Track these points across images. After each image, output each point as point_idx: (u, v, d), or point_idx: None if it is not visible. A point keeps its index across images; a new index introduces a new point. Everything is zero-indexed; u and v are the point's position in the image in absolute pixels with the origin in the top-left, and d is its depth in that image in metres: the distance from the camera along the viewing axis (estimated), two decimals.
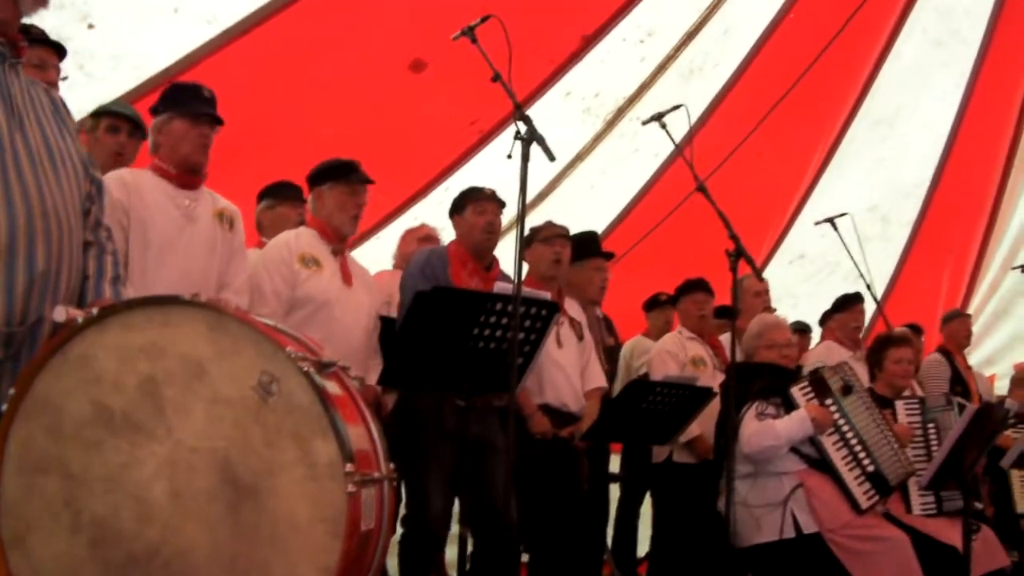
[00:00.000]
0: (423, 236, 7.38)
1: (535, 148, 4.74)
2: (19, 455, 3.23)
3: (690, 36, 9.72)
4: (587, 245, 7.30)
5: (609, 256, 7.54)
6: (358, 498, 3.10)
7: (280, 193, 6.62)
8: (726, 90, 10.29)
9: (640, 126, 9.12)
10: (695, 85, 9.98)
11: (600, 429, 6.42)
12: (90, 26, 6.90)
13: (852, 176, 11.61)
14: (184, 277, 4.81)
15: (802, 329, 9.67)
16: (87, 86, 7.08)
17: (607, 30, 9.17)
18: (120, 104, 5.62)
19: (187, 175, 5.08)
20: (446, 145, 9.06)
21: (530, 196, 8.73)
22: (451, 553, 6.52)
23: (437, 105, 8.52)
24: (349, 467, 3.07)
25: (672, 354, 7.65)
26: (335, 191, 5.77)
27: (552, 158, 4.77)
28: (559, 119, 9.37)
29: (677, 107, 6.34)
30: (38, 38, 4.91)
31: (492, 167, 8.84)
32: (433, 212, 8.93)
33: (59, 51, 5.08)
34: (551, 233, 6.67)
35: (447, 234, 6.69)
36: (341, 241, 5.82)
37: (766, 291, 8.45)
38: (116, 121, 5.51)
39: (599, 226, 10.20)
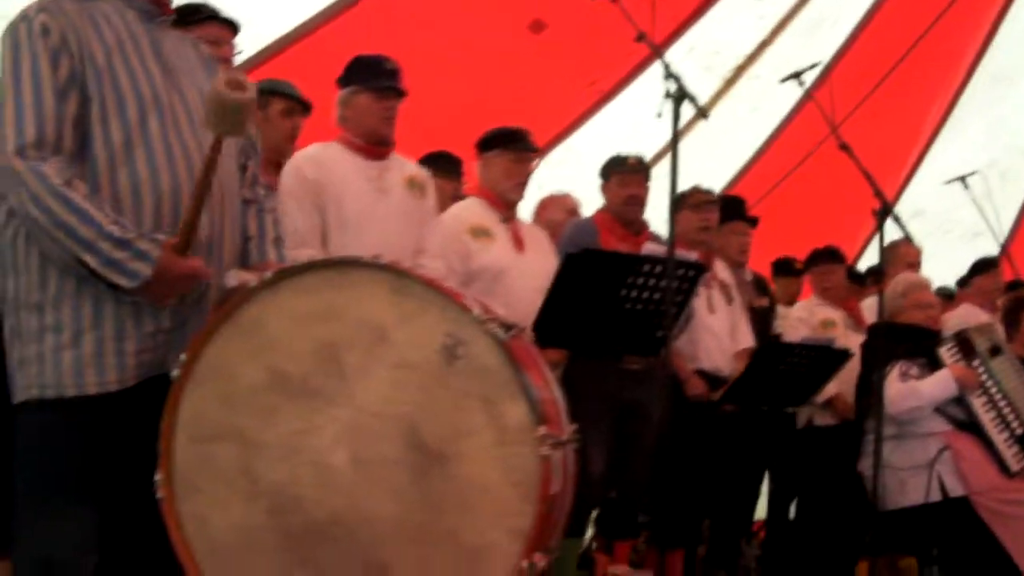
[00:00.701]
0: (570, 208, 7.29)
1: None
2: (192, 422, 3.19)
3: None
4: (727, 209, 7.18)
5: (753, 221, 7.43)
6: (549, 461, 3.02)
7: (436, 164, 6.48)
8: (845, 48, 10.09)
9: (759, 84, 9.05)
10: (814, 42, 9.78)
11: (740, 391, 6.36)
12: None
13: (971, 132, 11.37)
14: (384, 248, 4.74)
15: (948, 295, 9.39)
16: None
17: None
18: (288, 85, 5.59)
19: (375, 146, 5.15)
20: (566, 105, 8.98)
21: (651, 154, 8.68)
22: None
23: (557, 65, 8.43)
24: (543, 430, 3.00)
25: (802, 320, 7.62)
26: (502, 159, 5.77)
27: (704, 115, 4.68)
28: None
29: (814, 65, 6.25)
30: (211, 15, 4.90)
31: (614, 127, 8.77)
32: (554, 172, 8.83)
33: (232, 27, 5.06)
34: (699, 200, 6.64)
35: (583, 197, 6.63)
36: (510, 208, 5.81)
37: (919, 262, 8.29)
38: (291, 104, 5.51)
39: (719, 183, 10.09)
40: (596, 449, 5.60)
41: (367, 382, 3.10)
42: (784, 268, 8.84)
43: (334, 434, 3.10)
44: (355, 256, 3.31)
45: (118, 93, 3.22)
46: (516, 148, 5.76)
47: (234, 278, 3.26)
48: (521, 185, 5.80)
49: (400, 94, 5.14)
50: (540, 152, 8.86)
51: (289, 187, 4.93)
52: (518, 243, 5.72)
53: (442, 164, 6.53)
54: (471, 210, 5.74)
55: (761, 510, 7.77)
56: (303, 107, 5.55)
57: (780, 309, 8.18)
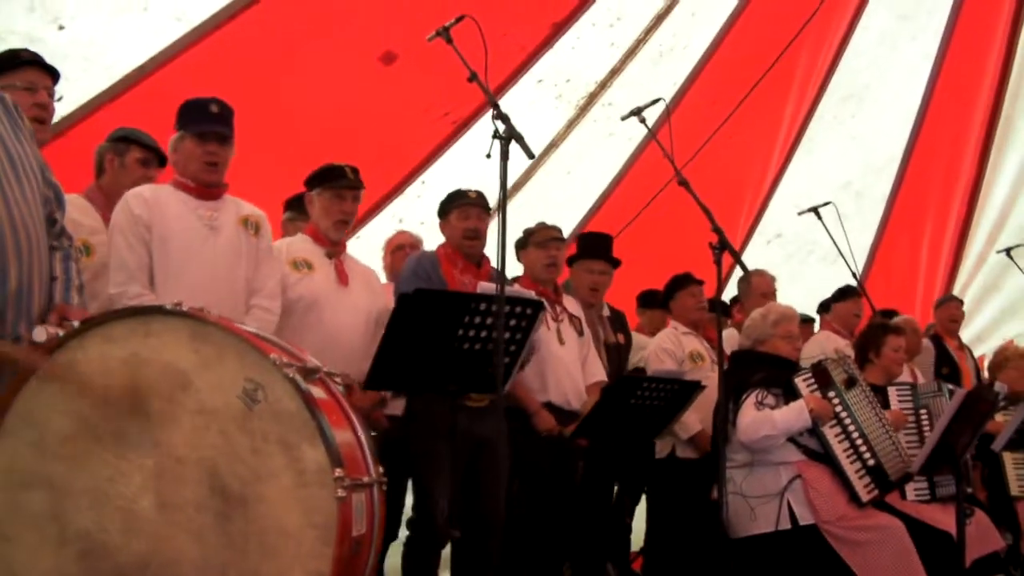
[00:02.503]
0: (395, 246, 7.33)
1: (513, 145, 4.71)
2: (3, 472, 3.20)
3: (659, 20, 9.63)
4: (585, 246, 7.26)
5: (614, 262, 7.31)
6: (349, 503, 3.09)
7: (300, 206, 6.41)
8: (696, 73, 10.20)
9: (613, 111, 9.13)
10: (665, 69, 9.92)
11: (592, 425, 6.35)
12: (60, 27, 6.82)
13: (825, 153, 11.52)
14: (210, 285, 4.85)
15: (807, 320, 9.42)
16: (60, 88, 7.00)
17: (577, 16, 9.11)
18: (147, 136, 5.57)
19: (204, 188, 5.11)
20: (420, 138, 8.98)
21: (509, 186, 8.66)
22: None
23: (410, 97, 8.43)
24: (338, 472, 3.06)
25: (669, 352, 7.51)
26: (322, 197, 5.77)
27: (531, 156, 4.74)
28: (532, 106, 9.30)
29: (656, 101, 6.28)
30: (30, 60, 4.81)
31: (468, 159, 8.78)
32: (411, 208, 8.85)
33: (52, 73, 4.97)
34: (545, 237, 6.64)
35: (428, 231, 6.62)
36: (334, 245, 5.79)
37: (774, 291, 8.38)
38: (148, 154, 5.50)
39: (579, 213, 10.20)
40: (442, 491, 5.61)
41: (171, 428, 3.15)
42: (649, 300, 8.92)
43: (141, 480, 3.14)
44: (157, 304, 3.34)
45: None
46: (333, 186, 5.75)
47: (41, 334, 3.25)
48: (340, 223, 5.78)
49: (224, 138, 5.10)
50: (399, 187, 8.93)
51: (118, 223, 4.91)
52: (341, 277, 5.71)
53: (304, 206, 6.47)
54: (297, 245, 5.75)
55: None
56: (160, 159, 5.54)
57: (641, 339, 8.22)
